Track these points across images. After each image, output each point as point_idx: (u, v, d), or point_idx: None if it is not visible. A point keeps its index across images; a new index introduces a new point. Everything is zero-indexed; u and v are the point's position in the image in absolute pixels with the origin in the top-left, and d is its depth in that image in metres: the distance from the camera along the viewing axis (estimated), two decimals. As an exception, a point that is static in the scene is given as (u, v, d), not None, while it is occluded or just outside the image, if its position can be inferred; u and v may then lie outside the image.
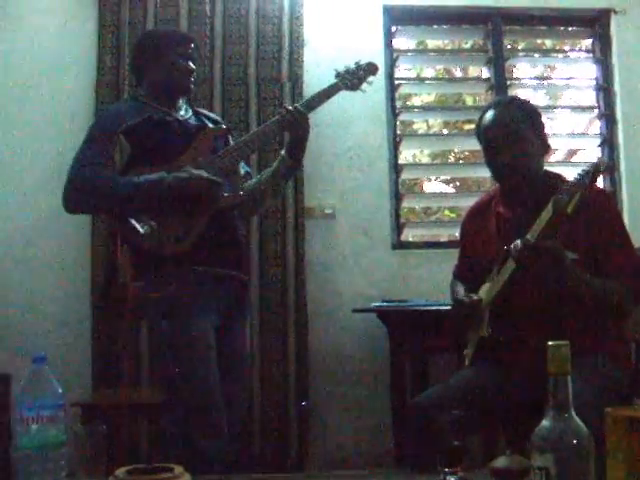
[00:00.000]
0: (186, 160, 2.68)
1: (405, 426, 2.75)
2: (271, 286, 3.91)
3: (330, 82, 2.91)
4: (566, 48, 4.91)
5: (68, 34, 4.09)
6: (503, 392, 2.34)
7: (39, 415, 1.58)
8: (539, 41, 5.12)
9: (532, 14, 4.41)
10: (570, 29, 4.61)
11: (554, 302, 2.30)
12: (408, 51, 4.59)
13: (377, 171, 4.14)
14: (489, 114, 2.52)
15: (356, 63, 2.96)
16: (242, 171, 2.90)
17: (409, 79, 4.60)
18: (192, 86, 2.87)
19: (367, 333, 3.92)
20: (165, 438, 2.62)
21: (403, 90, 4.48)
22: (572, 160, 5.36)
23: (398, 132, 4.32)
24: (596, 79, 4.47)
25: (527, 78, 5.06)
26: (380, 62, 3.58)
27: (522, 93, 4.41)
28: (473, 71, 5.61)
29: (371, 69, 2.98)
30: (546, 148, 2.52)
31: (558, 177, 2.48)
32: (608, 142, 4.37)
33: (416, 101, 6.14)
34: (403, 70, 4.54)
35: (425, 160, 6.30)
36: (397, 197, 4.23)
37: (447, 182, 6.57)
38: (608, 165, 4.25)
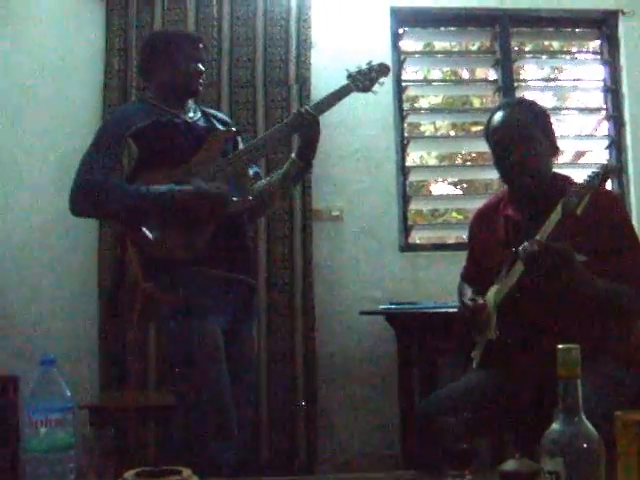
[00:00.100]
0: (196, 164, 2.66)
1: (413, 428, 2.74)
2: (278, 288, 3.91)
3: (341, 84, 2.86)
4: (574, 50, 4.89)
5: (75, 37, 4.09)
6: (511, 395, 2.34)
7: (48, 418, 1.58)
8: (546, 43, 5.11)
9: (539, 16, 4.40)
10: (578, 30, 4.60)
11: (563, 304, 2.29)
12: (415, 53, 4.58)
13: (384, 173, 4.14)
14: (498, 115, 2.51)
15: (368, 63, 2.90)
16: (251, 172, 2.88)
17: (416, 81, 4.59)
18: (201, 87, 2.85)
19: (375, 336, 3.92)
20: (174, 440, 2.62)
21: (410, 92, 4.48)
22: (579, 162, 5.35)
23: (405, 134, 4.32)
24: (604, 80, 4.46)
25: (534, 80, 5.05)
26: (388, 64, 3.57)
27: (529, 95, 4.39)
28: (480, 73, 5.61)
29: (383, 70, 2.93)
30: (555, 150, 2.51)
31: (567, 179, 2.48)
32: (616, 144, 4.35)
33: (423, 103, 6.13)
34: (410, 72, 4.54)
35: (432, 162, 6.29)
36: (405, 199, 4.22)
37: (454, 184, 6.56)
38: (616, 167, 4.24)
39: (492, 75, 4.50)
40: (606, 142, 4.41)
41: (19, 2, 4.09)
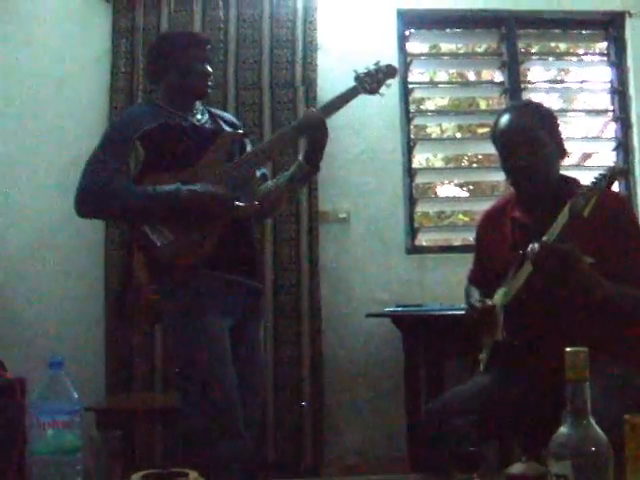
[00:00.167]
0: (203, 166, 2.66)
1: (420, 431, 2.74)
2: (285, 291, 3.91)
3: (348, 85, 2.84)
4: (580, 51, 4.88)
5: (82, 40, 4.11)
6: (518, 397, 2.33)
7: (55, 420, 1.58)
8: (553, 44, 5.09)
9: (546, 17, 4.40)
10: (584, 32, 4.59)
11: (570, 306, 2.28)
12: (421, 55, 4.58)
13: (391, 175, 4.14)
14: (505, 118, 2.51)
15: (375, 64, 2.87)
16: (258, 173, 2.87)
17: (422, 83, 4.59)
18: (209, 89, 2.84)
19: (381, 338, 3.92)
20: (182, 441, 2.62)
21: (416, 94, 4.47)
22: (586, 164, 5.33)
23: (412, 136, 4.32)
24: (611, 82, 4.45)
25: (541, 81, 5.04)
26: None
27: (536, 97, 4.39)
28: (487, 75, 5.60)
29: (390, 71, 2.90)
30: (562, 152, 2.50)
31: (574, 181, 2.47)
32: (623, 146, 4.35)
33: (429, 105, 6.12)
34: (416, 74, 4.54)
35: (438, 164, 6.27)
36: (411, 201, 4.22)
37: (461, 186, 6.54)
38: (623, 169, 4.23)
39: (498, 77, 4.50)
40: (613, 144, 4.41)
41: (25, 4, 4.11)
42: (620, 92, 4.39)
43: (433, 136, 5.98)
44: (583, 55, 4.89)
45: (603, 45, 4.56)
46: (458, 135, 6.16)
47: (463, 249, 4.01)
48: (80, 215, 2.67)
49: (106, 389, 3.79)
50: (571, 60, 4.95)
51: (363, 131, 4.10)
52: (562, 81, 5.51)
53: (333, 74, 3.98)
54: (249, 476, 2.59)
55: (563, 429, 1.29)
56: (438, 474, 1.98)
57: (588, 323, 2.27)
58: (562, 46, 4.97)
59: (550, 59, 5.05)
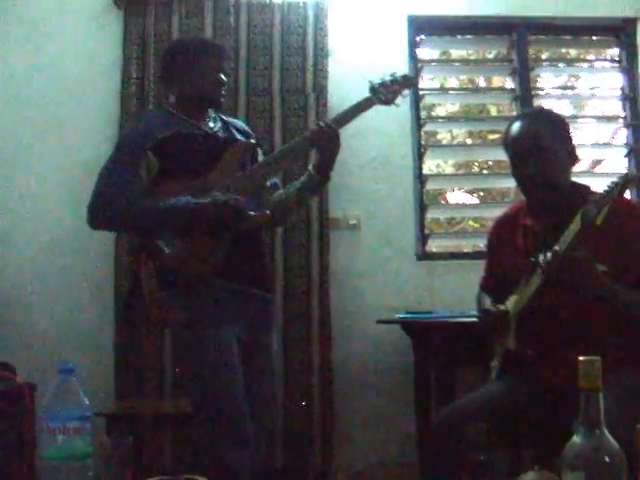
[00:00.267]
0: (215, 176, 2.64)
1: (430, 438, 2.73)
2: (295, 297, 3.90)
3: (361, 94, 2.82)
4: (591, 57, 4.87)
5: (93, 45, 4.12)
6: (530, 406, 2.32)
7: (66, 426, 1.58)
8: (564, 50, 5.10)
9: (557, 23, 4.39)
10: (595, 38, 4.58)
11: (583, 315, 2.27)
12: (432, 61, 4.57)
13: (402, 182, 4.13)
14: (516, 125, 2.51)
15: (392, 75, 2.84)
16: (268, 183, 2.84)
17: (433, 89, 4.58)
18: (222, 98, 2.83)
19: (392, 344, 3.91)
20: (191, 448, 2.61)
21: (427, 100, 4.47)
22: (597, 170, 5.32)
23: (422, 142, 4.31)
24: (622, 88, 4.44)
25: (552, 88, 5.03)
26: (404, 72, 3.55)
27: (546, 103, 4.38)
28: (497, 81, 5.59)
29: (407, 82, 2.87)
30: (573, 159, 2.50)
31: (585, 188, 2.47)
32: (634, 152, 4.33)
33: (440, 111, 6.12)
34: (427, 80, 4.53)
35: (449, 170, 6.28)
36: (421, 208, 4.21)
37: (471, 192, 6.54)
38: (636, 177, 4.21)
39: (509, 83, 4.49)
40: (624, 150, 4.39)
41: (37, 11, 4.12)
42: (631, 98, 4.38)
43: (444, 142, 5.97)
44: (594, 61, 4.89)
45: (614, 51, 4.55)
46: (469, 141, 6.14)
47: (473, 255, 4.02)
48: (92, 227, 2.67)
49: (116, 394, 3.79)
50: (582, 66, 4.94)
51: (374, 137, 4.10)
52: (573, 87, 5.49)
53: (344, 81, 3.99)
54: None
55: (576, 439, 1.28)
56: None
57: (601, 331, 2.26)
58: (573, 52, 4.97)
59: (561, 65, 5.05)
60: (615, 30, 4.45)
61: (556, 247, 2.16)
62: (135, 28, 4.04)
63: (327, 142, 2.71)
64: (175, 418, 3.40)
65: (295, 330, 3.88)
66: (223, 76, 2.80)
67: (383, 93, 2.82)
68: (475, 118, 5.55)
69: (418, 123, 4.28)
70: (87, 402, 1.62)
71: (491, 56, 5.02)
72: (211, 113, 2.84)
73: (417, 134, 4.26)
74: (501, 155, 2.64)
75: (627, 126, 4.41)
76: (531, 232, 2.48)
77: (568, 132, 2.52)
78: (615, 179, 2.09)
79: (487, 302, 2.59)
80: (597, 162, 5.42)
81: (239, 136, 2.85)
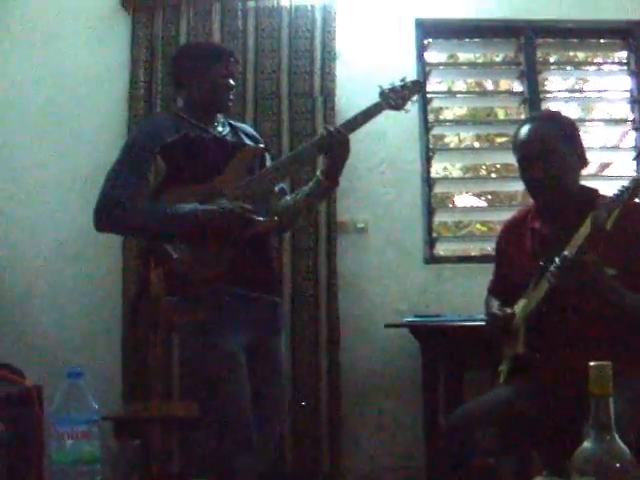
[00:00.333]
0: (223, 180, 2.63)
1: (437, 442, 2.72)
2: (303, 300, 3.90)
3: (369, 98, 2.80)
4: (599, 60, 4.86)
5: (100, 49, 4.13)
6: (539, 411, 2.31)
7: (74, 430, 1.58)
8: (572, 53, 5.08)
9: (564, 26, 4.37)
10: (603, 41, 4.56)
11: (593, 319, 2.26)
12: (440, 64, 4.57)
13: (409, 185, 4.13)
14: (524, 129, 2.50)
15: (402, 80, 2.82)
16: (276, 188, 2.83)
17: (441, 93, 4.58)
18: (230, 103, 2.81)
19: (399, 348, 3.90)
20: (198, 454, 2.61)
21: (435, 104, 4.46)
22: (605, 173, 5.30)
23: (430, 146, 4.30)
24: (630, 91, 4.42)
25: (559, 91, 5.03)
26: (412, 76, 3.54)
27: (554, 106, 4.37)
28: (505, 84, 5.58)
29: (416, 87, 2.85)
30: (583, 162, 2.49)
31: (594, 192, 2.46)
32: (643, 155, 4.32)
33: (448, 115, 6.12)
34: (435, 83, 4.53)
35: (456, 174, 6.27)
36: (429, 211, 4.20)
37: (478, 196, 6.53)
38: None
39: (517, 86, 4.48)
40: (632, 153, 4.37)
41: (45, 14, 4.13)
42: (639, 101, 4.36)
43: (451, 146, 5.97)
44: (602, 64, 4.87)
45: (622, 54, 4.53)
46: (476, 145, 6.15)
47: (481, 259, 4.00)
48: (98, 230, 2.65)
49: (123, 398, 3.79)
50: (590, 69, 4.93)
51: (382, 141, 4.09)
52: (581, 90, 5.50)
53: (352, 84, 3.99)
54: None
55: (587, 444, 1.27)
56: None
57: (611, 336, 2.25)
58: (581, 55, 4.94)
59: (569, 68, 5.03)
60: (623, 33, 4.43)
61: (565, 251, 2.15)
62: (143, 31, 4.05)
63: (336, 148, 2.68)
64: (183, 421, 3.39)
65: (303, 333, 3.88)
66: (232, 81, 2.78)
67: (393, 98, 2.79)
68: (483, 121, 5.53)
69: (426, 126, 4.27)
70: (96, 406, 1.62)
71: (499, 59, 5.01)
72: (219, 117, 2.82)
73: (425, 137, 4.25)
74: (509, 158, 2.64)
75: (635, 129, 4.39)
76: (539, 235, 2.47)
77: (577, 135, 2.51)
78: (626, 183, 2.08)
79: (494, 306, 2.58)
80: (605, 165, 5.41)
81: (248, 141, 2.84)
